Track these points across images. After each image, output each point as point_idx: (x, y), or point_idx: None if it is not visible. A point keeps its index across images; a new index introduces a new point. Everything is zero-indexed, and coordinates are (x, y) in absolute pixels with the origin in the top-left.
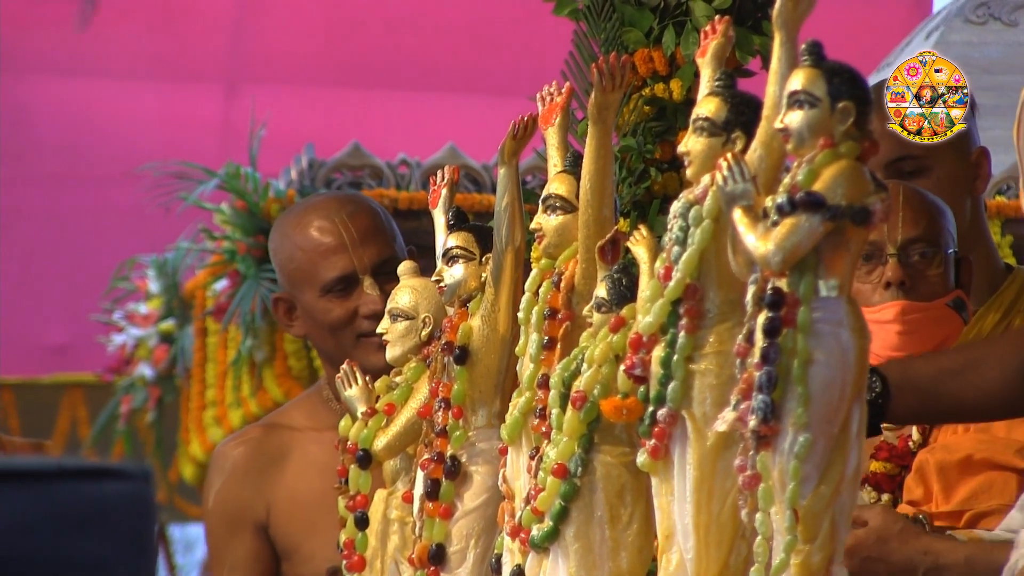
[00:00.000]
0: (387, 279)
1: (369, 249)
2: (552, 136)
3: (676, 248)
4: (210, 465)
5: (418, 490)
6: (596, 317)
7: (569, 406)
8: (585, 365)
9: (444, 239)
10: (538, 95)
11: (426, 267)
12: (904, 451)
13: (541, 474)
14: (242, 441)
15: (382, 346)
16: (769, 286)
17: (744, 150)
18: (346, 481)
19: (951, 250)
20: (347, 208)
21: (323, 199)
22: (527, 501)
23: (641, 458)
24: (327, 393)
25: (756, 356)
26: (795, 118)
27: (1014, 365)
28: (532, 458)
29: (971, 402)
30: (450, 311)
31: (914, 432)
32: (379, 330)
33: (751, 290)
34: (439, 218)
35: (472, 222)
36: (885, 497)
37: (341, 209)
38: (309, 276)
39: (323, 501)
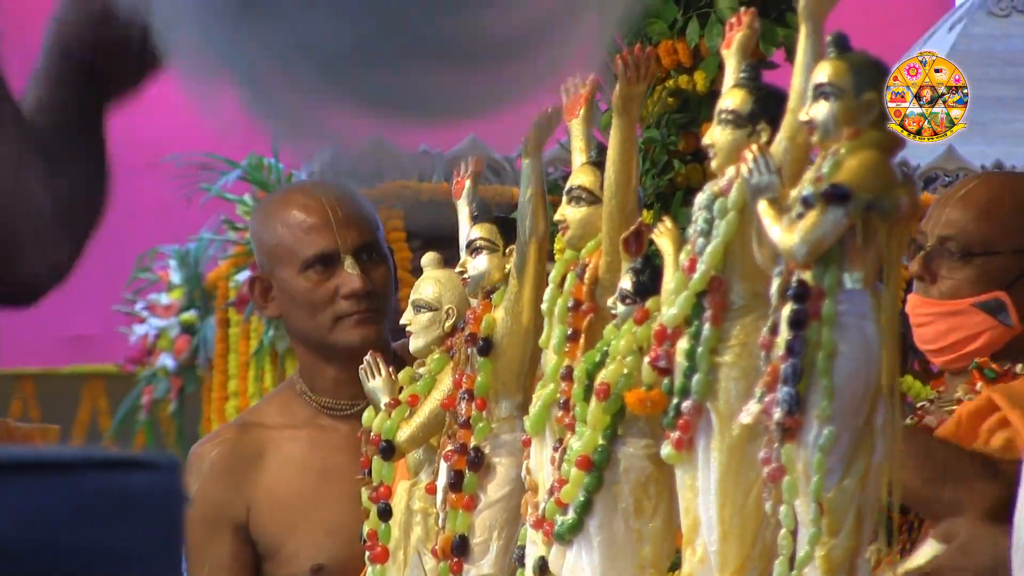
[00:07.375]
0: (367, 263)
1: (352, 230)
2: (576, 128)
3: (701, 240)
4: (186, 468)
5: (441, 481)
6: (620, 309)
7: (593, 398)
8: (609, 357)
9: (468, 230)
10: (562, 87)
11: (448, 258)
12: None
13: (565, 466)
14: (218, 442)
15: (359, 323)
16: (794, 278)
17: (769, 142)
18: (369, 472)
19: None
20: (333, 190)
21: (308, 182)
22: (550, 493)
23: (665, 450)
24: (300, 387)
25: (781, 348)
26: (820, 110)
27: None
28: (556, 450)
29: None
30: (474, 302)
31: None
32: (403, 321)
33: (776, 282)
34: (463, 209)
35: (496, 214)
36: None
37: (327, 191)
38: (290, 252)
39: (302, 500)
